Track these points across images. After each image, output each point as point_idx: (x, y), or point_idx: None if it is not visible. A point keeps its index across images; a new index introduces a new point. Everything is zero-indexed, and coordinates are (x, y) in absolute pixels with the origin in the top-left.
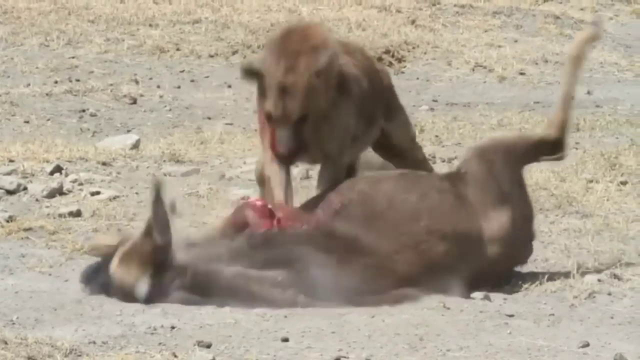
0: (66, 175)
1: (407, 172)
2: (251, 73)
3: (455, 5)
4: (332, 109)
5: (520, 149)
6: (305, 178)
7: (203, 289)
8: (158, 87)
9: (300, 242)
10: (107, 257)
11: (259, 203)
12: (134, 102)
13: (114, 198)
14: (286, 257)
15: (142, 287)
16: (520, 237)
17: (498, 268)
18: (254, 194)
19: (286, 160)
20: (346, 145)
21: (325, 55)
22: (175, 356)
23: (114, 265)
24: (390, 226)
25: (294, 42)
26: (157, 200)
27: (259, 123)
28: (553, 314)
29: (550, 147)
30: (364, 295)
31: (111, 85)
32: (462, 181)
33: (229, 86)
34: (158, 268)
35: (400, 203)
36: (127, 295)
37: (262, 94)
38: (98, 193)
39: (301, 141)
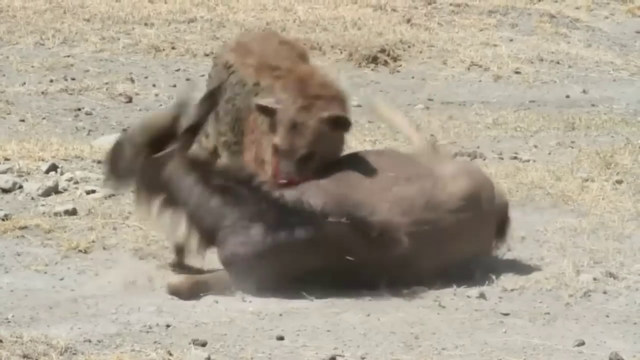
0: (62, 173)
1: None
2: (264, 109)
3: (450, 4)
4: (332, 147)
5: None
6: None
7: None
8: (153, 86)
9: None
10: None
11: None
12: (130, 100)
13: (110, 196)
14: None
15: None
16: (480, 174)
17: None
18: None
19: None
20: None
21: (342, 107)
22: (171, 354)
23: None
24: (365, 181)
25: (315, 86)
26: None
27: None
28: (548, 313)
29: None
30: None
31: (107, 84)
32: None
33: None
34: (165, 138)
35: (360, 162)
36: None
37: (271, 127)
38: (93, 191)
39: (302, 175)
